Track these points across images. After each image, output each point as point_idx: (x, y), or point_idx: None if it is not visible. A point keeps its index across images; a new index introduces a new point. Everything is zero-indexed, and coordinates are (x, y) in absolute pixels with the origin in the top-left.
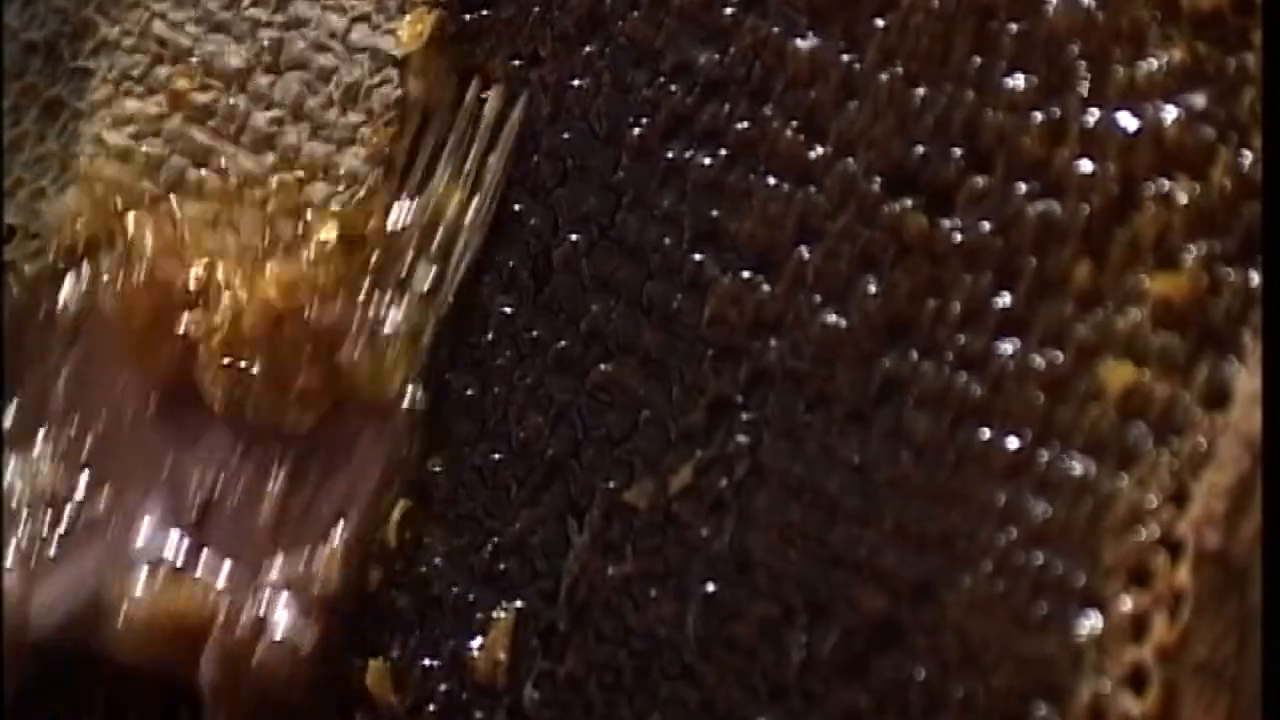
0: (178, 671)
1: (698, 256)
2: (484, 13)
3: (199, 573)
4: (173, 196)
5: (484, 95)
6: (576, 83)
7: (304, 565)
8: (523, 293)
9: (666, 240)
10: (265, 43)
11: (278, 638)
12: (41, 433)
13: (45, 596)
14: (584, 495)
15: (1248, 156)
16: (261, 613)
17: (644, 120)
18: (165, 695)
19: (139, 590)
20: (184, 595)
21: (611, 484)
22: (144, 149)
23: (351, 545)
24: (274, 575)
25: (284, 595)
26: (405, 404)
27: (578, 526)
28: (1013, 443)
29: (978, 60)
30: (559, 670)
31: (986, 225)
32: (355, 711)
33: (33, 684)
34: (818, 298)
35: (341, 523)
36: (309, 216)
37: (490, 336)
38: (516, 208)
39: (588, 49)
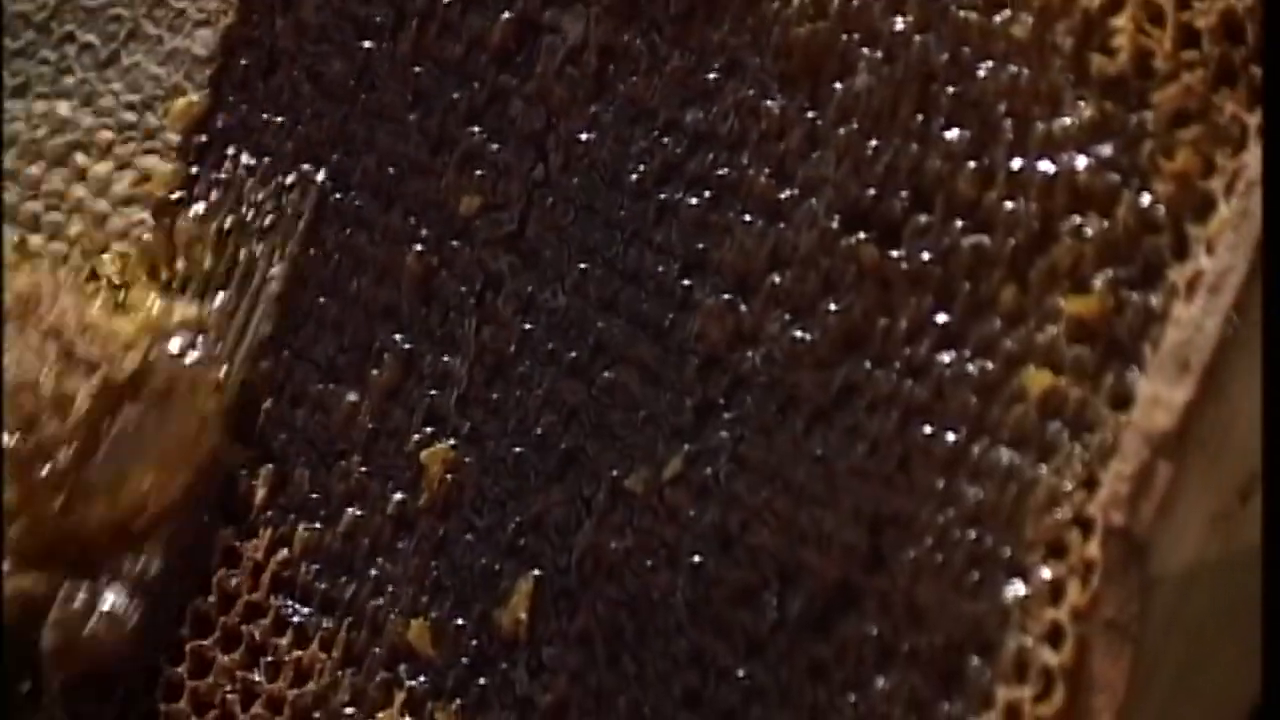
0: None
1: (686, 281)
2: None
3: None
4: None
5: None
6: (584, 137)
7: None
8: (540, 312)
9: (660, 268)
10: None
11: (105, 610)
12: None
13: None
14: (591, 482)
15: (1147, 197)
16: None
17: (641, 168)
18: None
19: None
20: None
21: (614, 473)
22: None
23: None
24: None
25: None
26: None
27: (586, 509)
28: (950, 437)
29: (920, 117)
30: (571, 628)
31: (928, 255)
32: (401, 663)
33: None
34: (787, 316)
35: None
36: None
37: (513, 349)
38: (539, 241)
39: (593, 108)
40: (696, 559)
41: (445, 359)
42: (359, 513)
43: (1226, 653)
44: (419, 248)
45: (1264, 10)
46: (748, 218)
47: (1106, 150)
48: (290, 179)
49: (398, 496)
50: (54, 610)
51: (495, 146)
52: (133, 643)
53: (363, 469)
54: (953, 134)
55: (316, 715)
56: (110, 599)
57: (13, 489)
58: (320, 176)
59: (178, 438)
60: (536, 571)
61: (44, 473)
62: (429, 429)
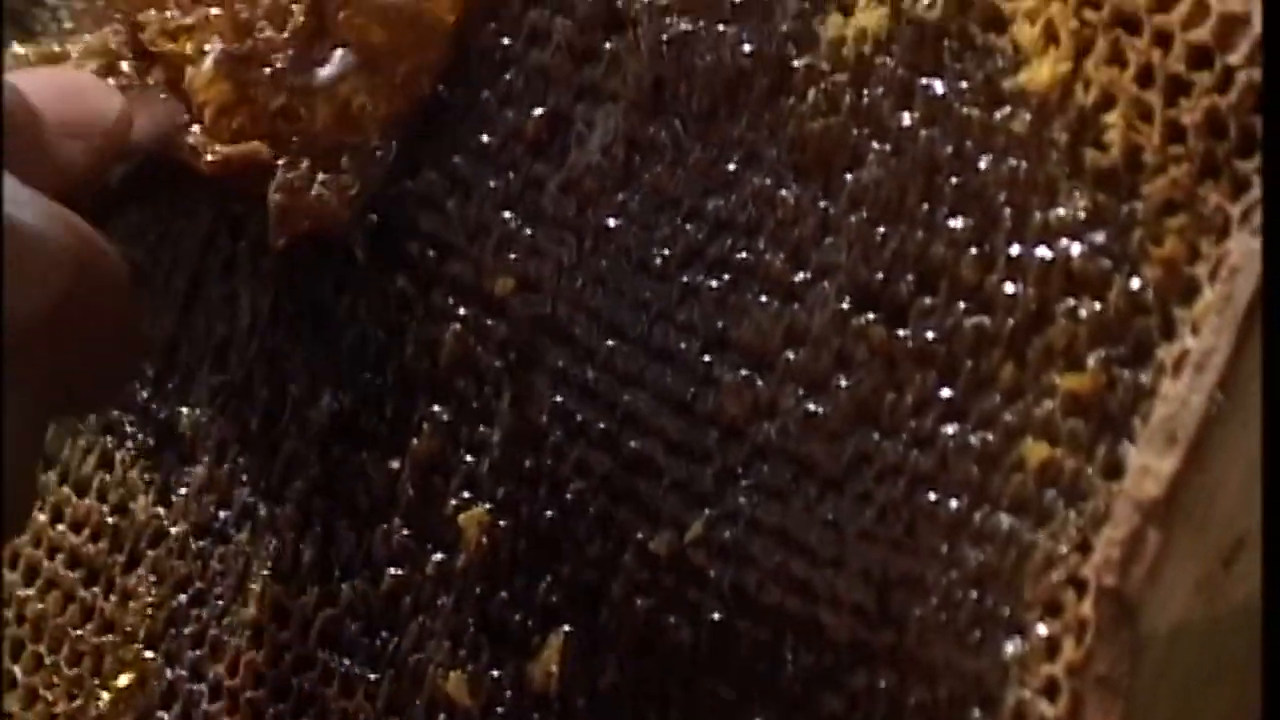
0: (248, 190)
1: (707, 358)
2: None
3: None
4: None
5: None
6: (612, 223)
7: None
8: (570, 386)
9: (683, 346)
10: None
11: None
12: None
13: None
14: (618, 545)
15: (1137, 282)
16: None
17: (665, 252)
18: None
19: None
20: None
21: (639, 536)
22: None
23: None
24: None
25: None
26: None
27: (613, 570)
28: (954, 504)
29: (925, 206)
30: (600, 681)
31: (932, 335)
32: (440, 712)
33: (121, 182)
34: (801, 391)
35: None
36: None
37: (545, 420)
38: (570, 320)
39: (621, 196)
40: (716, 616)
41: (481, 429)
42: (401, 572)
43: (1211, 708)
44: (457, 326)
45: (1265, 11)
46: (764, 299)
47: (1099, 238)
48: None
49: (437, 557)
50: (279, 173)
51: (529, 232)
52: (354, 210)
53: (404, 531)
54: (956, 222)
55: None
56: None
57: (228, 85)
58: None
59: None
60: (566, 628)
61: (262, 74)
62: (466, 494)
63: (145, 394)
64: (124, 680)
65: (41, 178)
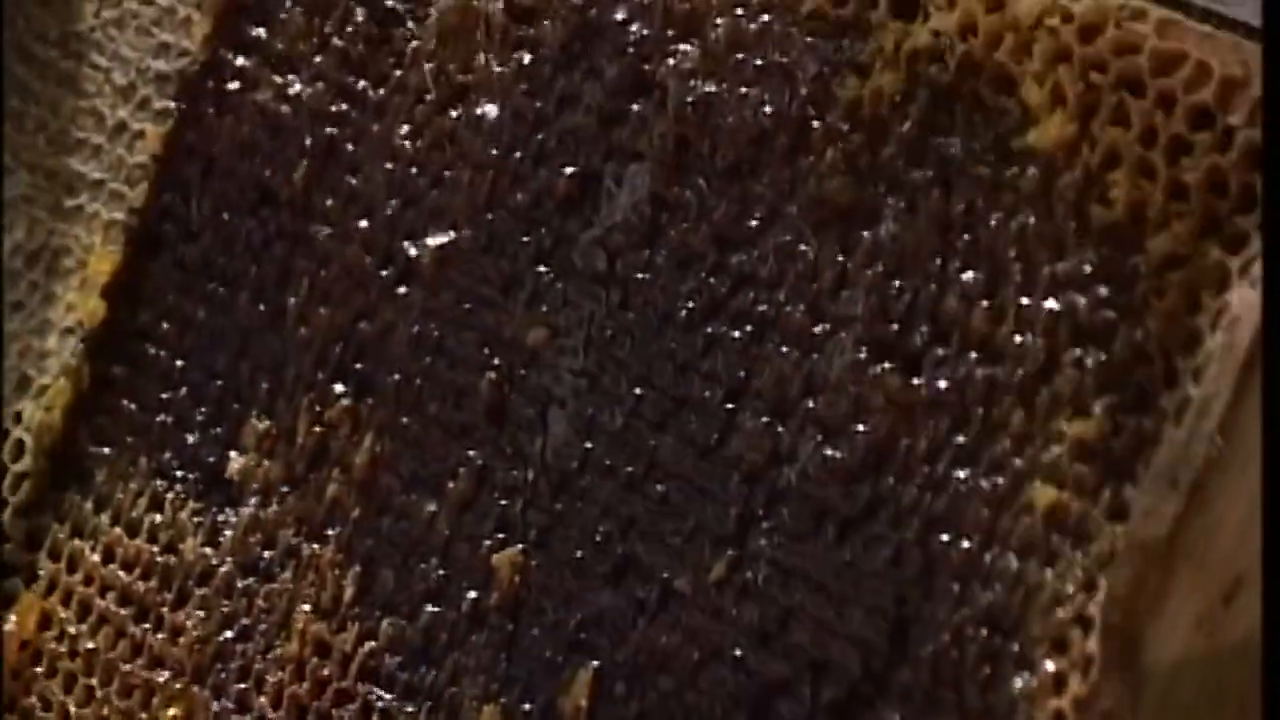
0: None
1: (730, 406)
2: None
3: None
4: None
5: None
6: (639, 276)
7: None
8: (600, 432)
9: (707, 394)
10: None
11: None
12: None
13: None
14: (644, 584)
15: (1140, 332)
16: None
17: (690, 304)
18: None
19: None
20: None
21: (665, 575)
22: None
23: None
24: None
25: None
26: None
27: (639, 608)
28: (965, 545)
29: (938, 261)
30: (626, 713)
31: (945, 384)
32: None
33: None
34: (819, 437)
35: None
36: None
37: (576, 465)
38: (599, 369)
39: (647, 251)
40: (738, 653)
41: (514, 473)
42: (437, 609)
43: None
44: (492, 375)
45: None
46: (785, 349)
47: (1104, 290)
48: None
49: (471, 595)
50: None
51: (560, 285)
52: None
53: (441, 571)
54: (968, 276)
55: None
56: None
57: None
58: None
59: None
60: (595, 663)
61: None
62: (500, 535)
63: (194, 439)
64: (172, 712)
65: None
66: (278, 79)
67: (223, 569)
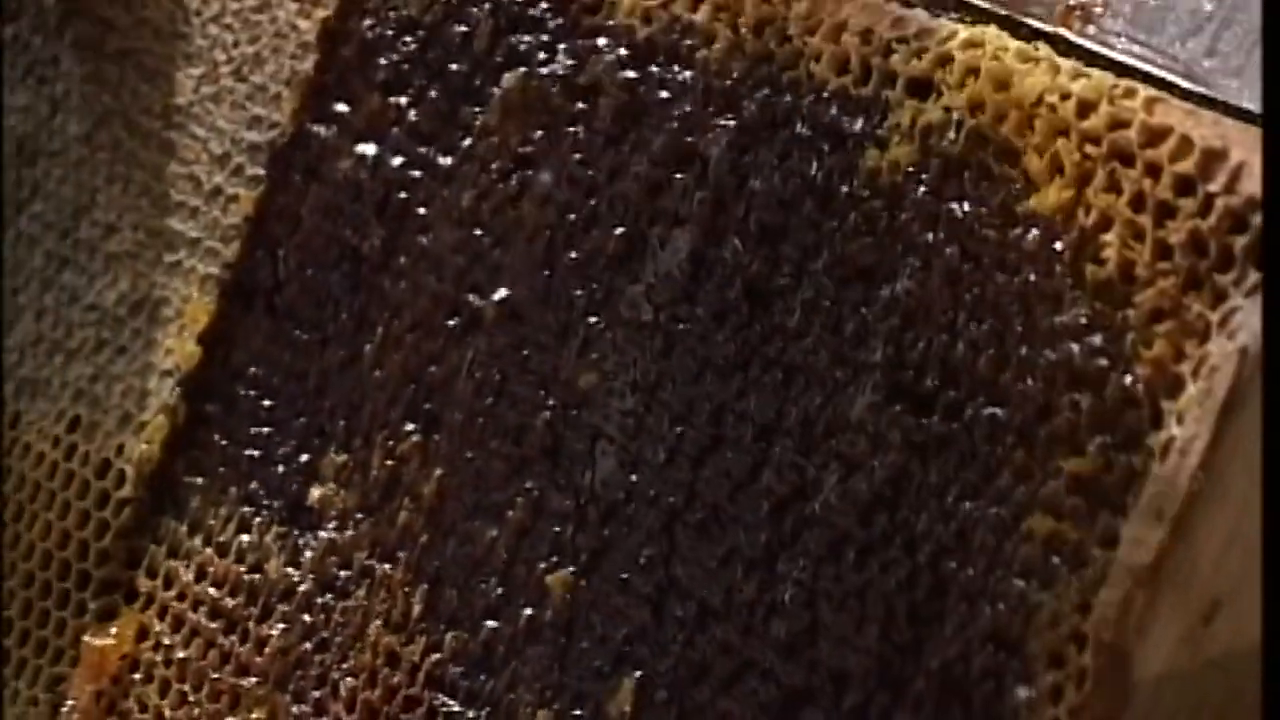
0: None
1: (762, 443)
2: None
3: None
4: None
5: None
6: (681, 327)
7: None
8: (645, 467)
9: (741, 432)
10: None
11: None
12: None
13: None
14: (683, 603)
15: (1129, 379)
16: None
17: (726, 352)
18: None
19: None
20: None
21: (702, 595)
22: None
23: None
24: None
25: None
26: None
27: (679, 624)
28: (971, 571)
29: (949, 314)
30: (668, 718)
31: (954, 424)
32: None
33: None
34: (841, 471)
35: None
36: None
37: (622, 496)
38: (644, 410)
39: (688, 304)
40: (767, 665)
41: (566, 503)
42: (496, 624)
43: None
44: (547, 414)
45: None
46: (810, 393)
47: (1097, 340)
48: None
49: (528, 611)
50: None
51: (609, 334)
52: None
53: (499, 590)
54: (975, 327)
55: None
56: None
57: None
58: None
59: None
60: (639, 673)
61: None
62: (553, 558)
63: (279, 471)
64: (256, 716)
65: None
66: (358, 149)
67: (303, 587)
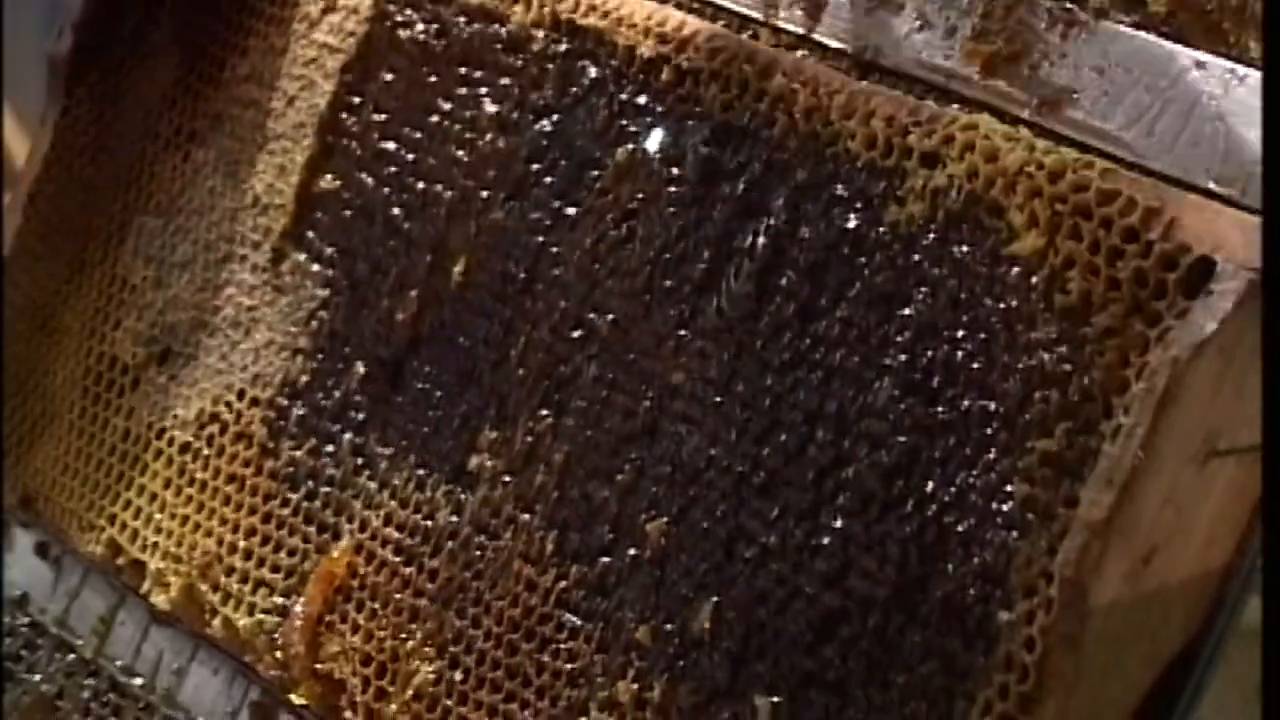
0: None
1: (807, 426)
2: None
3: None
4: None
5: None
6: (748, 337)
7: None
8: (720, 444)
9: (793, 417)
10: None
11: None
12: None
13: None
14: (749, 545)
15: (1088, 379)
16: None
17: (782, 357)
18: None
19: None
20: None
21: (763, 539)
22: None
23: None
24: None
25: None
26: None
27: (745, 561)
28: (967, 522)
29: (949, 330)
30: (736, 632)
31: (954, 412)
32: (632, 652)
33: None
34: (868, 447)
35: None
36: None
37: (703, 464)
38: (720, 399)
39: (752, 321)
40: (810, 592)
41: (662, 469)
42: (608, 559)
43: (1131, 657)
44: (647, 402)
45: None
46: (845, 388)
47: (1063, 351)
48: None
49: (631, 551)
50: None
51: (695, 343)
52: None
53: (610, 535)
54: (970, 340)
55: (580, 681)
56: None
57: None
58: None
59: None
60: (715, 598)
61: None
62: (652, 511)
63: (447, 444)
64: (429, 625)
65: None
66: (508, 204)
67: (463, 531)
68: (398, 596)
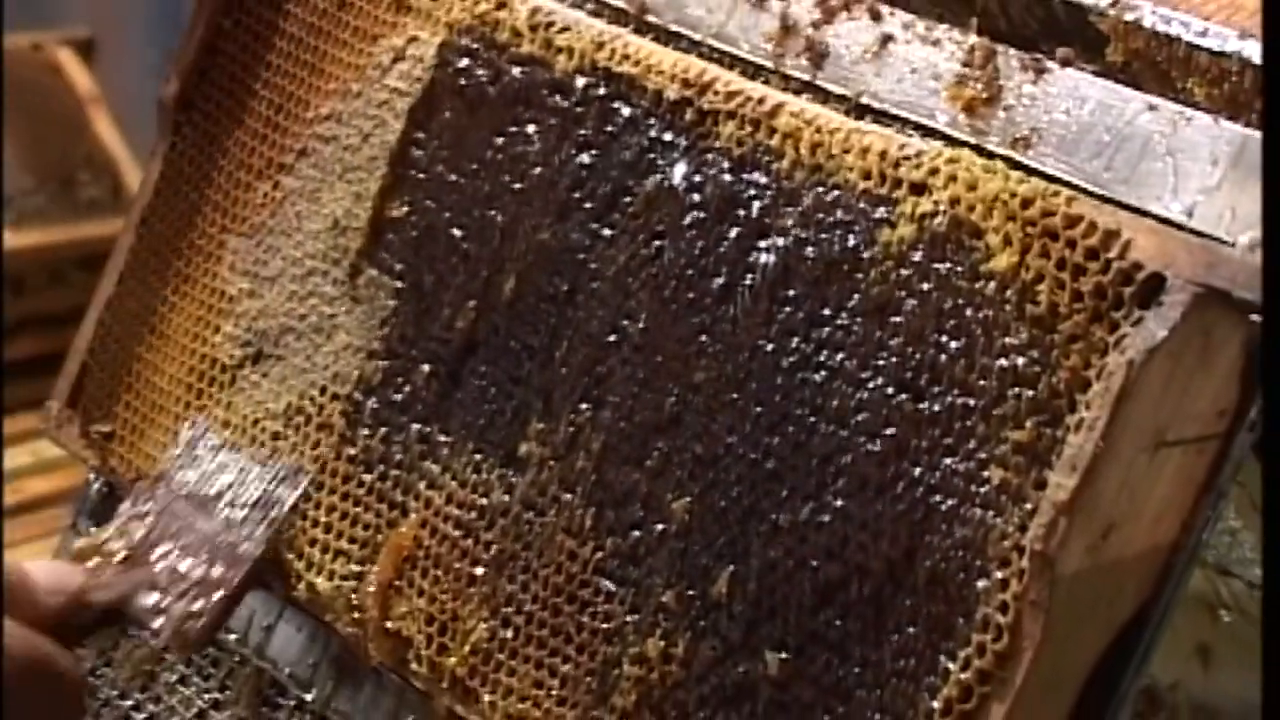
0: None
1: (813, 418)
2: None
3: None
4: None
5: None
6: (760, 343)
7: None
8: (737, 435)
9: (799, 411)
10: None
11: None
12: None
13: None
14: (761, 522)
15: (1055, 379)
16: None
17: (790, 360)
18: None
19: None
20: None
21: (773, 516)
22: None
23: None
24: None
25: None
26: None
27: (758, 535)
28: (950, 502)
29: (935, 335)
30: (748, 596)
31: (938, 407)
32: (661, 614)
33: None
34: (863, 436)
35: None
36: None
37: (722, 451)
38: (737, 397)
39: (765, 328)
40: (814, 563)
41: (686, 455)
42: (639, 533)
43: (1093, 623)
44: (673, 399)
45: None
46: (844, 386)
47: (1035, 353)
48: None
49: (659, 526)
50: None
51: (714, 347)
52: None
53: (641, 512)
54: (953, 344)
55: (615, 639)
56: None
57: None
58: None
59: None
60: (732, 567)
61: None
62: (677, 490)
63: (500, 434)
64: (483, 589)
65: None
66: (553, 227)
67: (514, 509)
68: (457, 565)
